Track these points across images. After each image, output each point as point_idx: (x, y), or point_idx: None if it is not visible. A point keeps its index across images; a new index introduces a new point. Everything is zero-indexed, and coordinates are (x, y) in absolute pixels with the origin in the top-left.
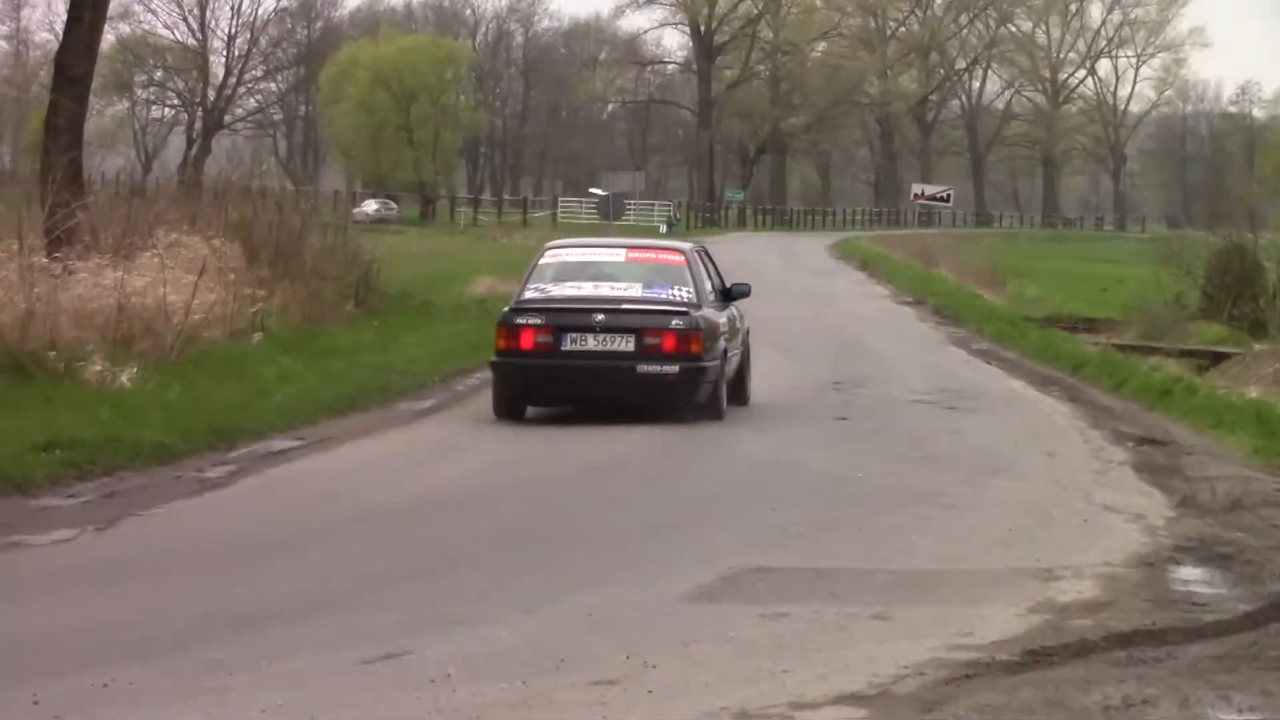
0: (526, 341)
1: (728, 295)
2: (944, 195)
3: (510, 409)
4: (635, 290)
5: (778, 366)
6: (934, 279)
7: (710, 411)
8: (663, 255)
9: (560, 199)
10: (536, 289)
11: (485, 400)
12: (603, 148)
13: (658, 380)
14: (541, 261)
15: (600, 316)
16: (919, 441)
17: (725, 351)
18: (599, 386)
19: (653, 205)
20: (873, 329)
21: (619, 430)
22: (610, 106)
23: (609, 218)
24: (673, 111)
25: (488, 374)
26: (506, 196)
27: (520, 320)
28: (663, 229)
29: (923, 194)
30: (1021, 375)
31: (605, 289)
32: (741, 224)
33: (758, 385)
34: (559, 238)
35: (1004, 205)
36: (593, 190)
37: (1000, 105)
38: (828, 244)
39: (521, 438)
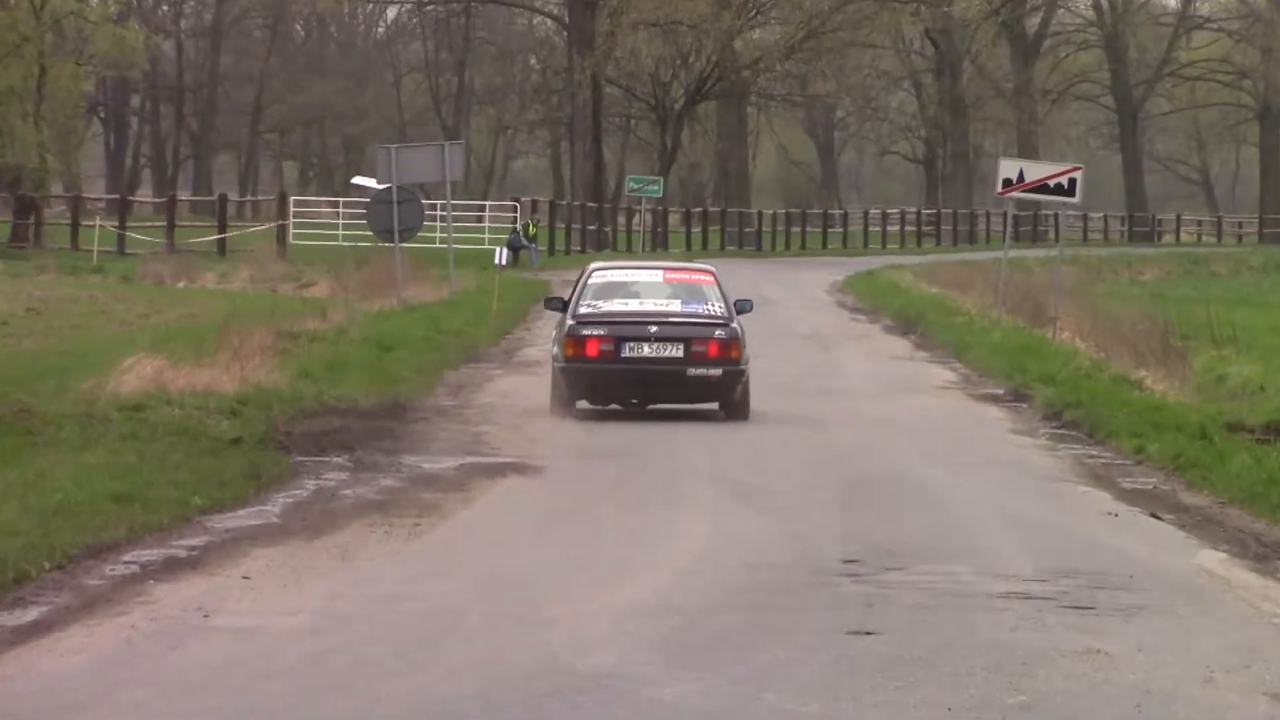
0: (592, 350)
1: (737, 311)
2: (1061, 182)
3: (571, 408)
4: (676, 305)
5: (734, 527)
6: (1046, 350)
7: (740, 411)
8: (695, 275)
9: (294, 198)
10: (589, 305)
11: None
12: (381, 101)
13: (703, 381)
14: (590, 281)
15: (654, 328)
16: (1018, 682)
17: (749, 359)
18: (654, 386)
19: (483, 210)
20: (922, 450)
21: None
22: (391, 13)
23: (386, 231)
24: (515, 23)
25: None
26: (186, 198)
27: (586, 331)
28: (500, 261)
29: (1018, 181)
30: (1221, 539)
31: (650, 305)
32: (656, 245)
33: (693, 560)
34: (242, 283)
35: (1174, 200)
36: (358, 180)
37: (1171, 2)
38: (833, 280)
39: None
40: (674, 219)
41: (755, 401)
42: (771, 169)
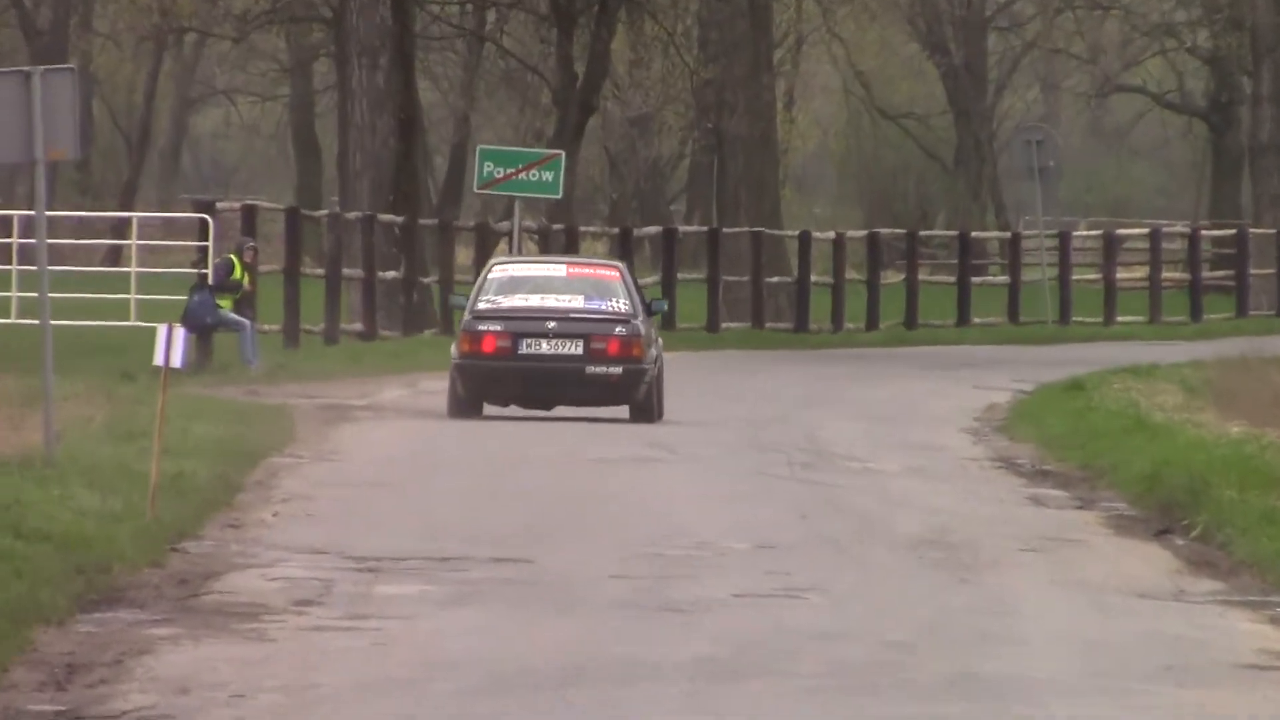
0: (488, 346)
1: (649, 310)
2: None
3: (469, 408)
4: (579, 302)
5: None
6: None
7: (647, 414)
8: (600, 271)
9: None
10: (489, 301)
11: None
12: None
13: (603, 380)
14: (491, 276)
15: (552, 324)
16: None
17: (656, 358)
18: (551, 386)
19: (145, 228)
20: None
21: None
22: None
23: None
24: None
25: None
26: None
27: (483, 327)
28: (171, 356)
29: None
30: None
31: (552, 301)
32: None
33: None
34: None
35: None
36: None
37: None
38: (983, 400)
39: None
40: (599, 248)
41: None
42: (827, 139)
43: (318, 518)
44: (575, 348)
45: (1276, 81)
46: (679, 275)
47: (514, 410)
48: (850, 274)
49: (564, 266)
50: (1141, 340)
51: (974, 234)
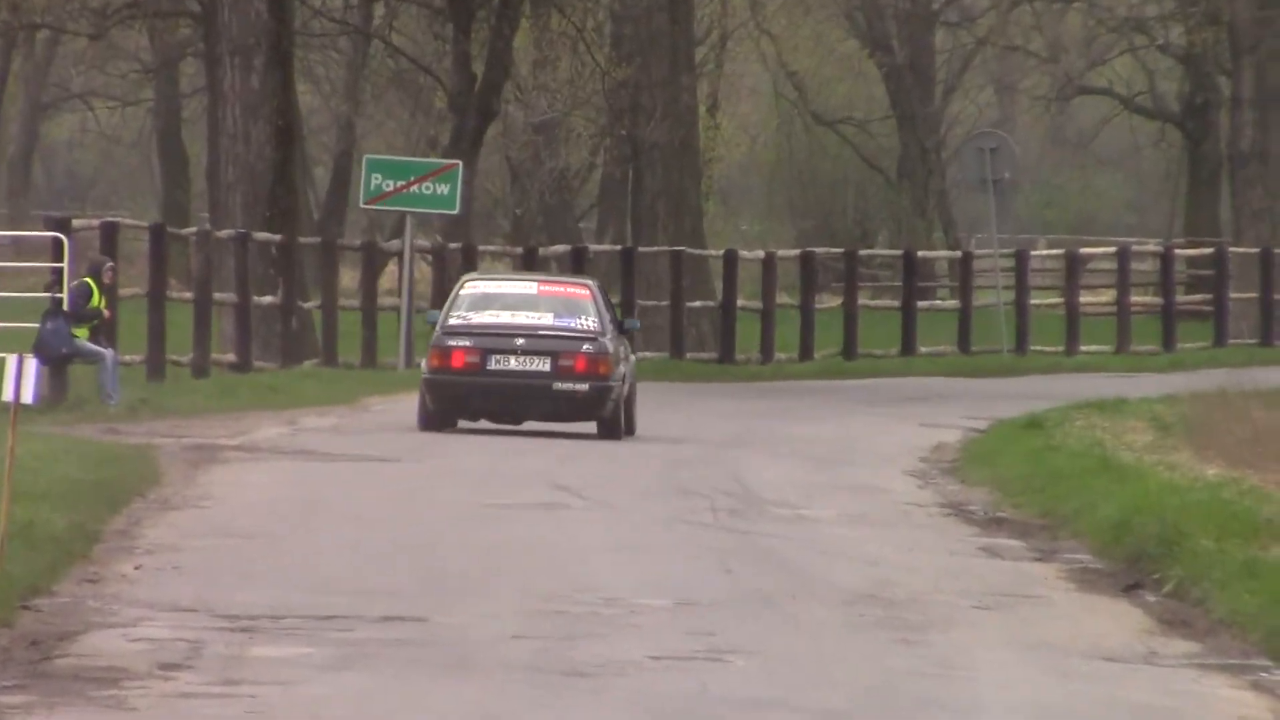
0: (457, 361)
1: (621, 328)
2: None
3: (440, 421)
4: (549, 319)
5: None
6: None
7: (614, 430)
8: (571, 289)
9: None
10: (460, 317)
11: None
12: None
13: (570, 396)
14: (463, 293)
15: (521, 340)
16: None
17: (625, 376)
18: (519, 401)
19: None
20: None
21: None
22: None
23: None
24: None
25: None
26: None
27: (452, 342)
28: (23, 392)
29: None
30: None
31: (522, 317)
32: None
33: None
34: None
35: None
36: None
37: None
38: (931, 439)
39: None
40: (499, 270)
41: None
42: (756, 148)
43: (186, 571)
44: (543, 364)
45: (1258, 82)
46: None
47: (413, 447)
48: (781, 298)
49: (535, 284)
50: (1108, 372)
51: (920, 253)
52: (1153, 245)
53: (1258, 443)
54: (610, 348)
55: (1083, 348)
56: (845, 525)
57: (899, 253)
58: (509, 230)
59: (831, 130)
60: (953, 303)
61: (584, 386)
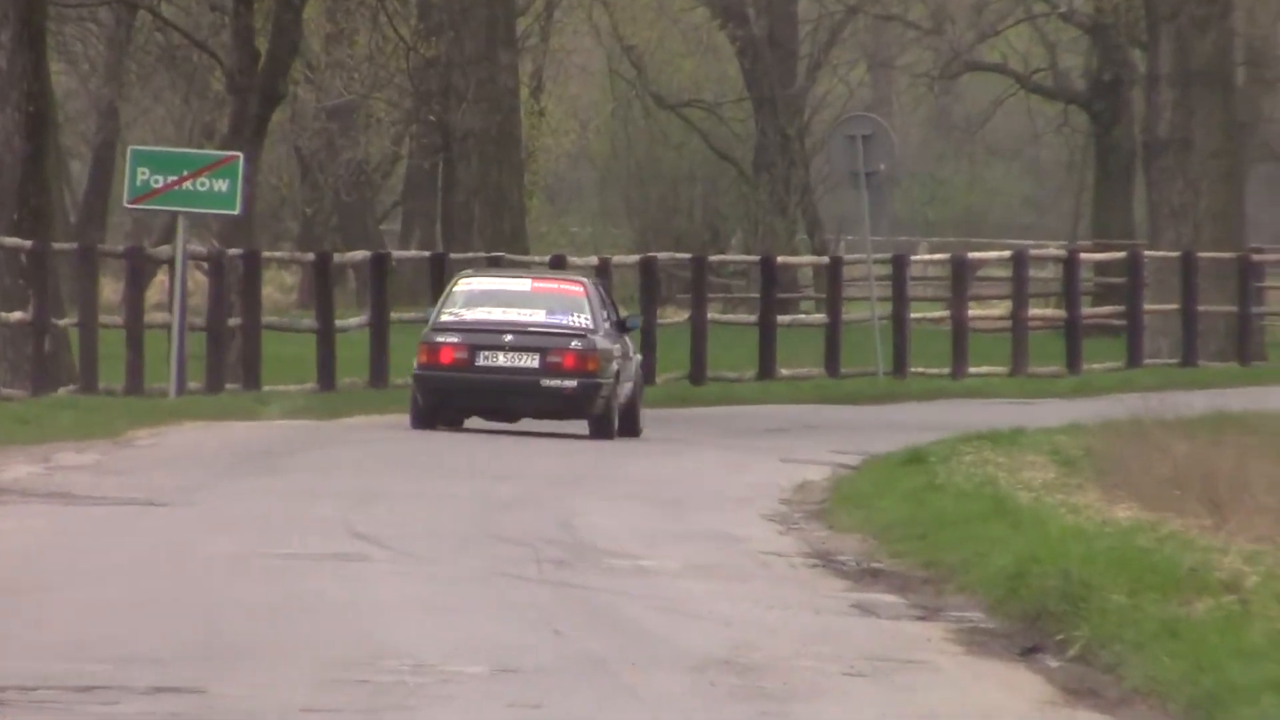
0: (446, 358)
1: (622, 327)
2: None
3: (431, 419)
4: (540, 316)
5: None
6: None
7: (605, 429)
8: (564, 286)
9: None
10: (452, 314)
11: None
12: None
13: (558, 393)
14: (456, 290)
15: (510, 337)
16: None
17: (618, 374)
18: (507, 397)
19: None
20: None
21: None
22: None
23: None
24: None
25: None
26: None
27: (441, 339)
28: None
29: None
30: None
31: (514, 314)
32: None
33: None
34: None
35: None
36: None
37: None
38: (794, 478)
39: None
40: (286, 279)
41: None
42: (588, 136)
43: None
44: (531, 361)
45: (1179, 56)
46: (393, 315)
47: (186, 488)
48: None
49: (529, 281)
50: (1002, 397)
51: (780, 259)
52: (1054, 249)
53: (1178, 481)
54: (601, 345)
55: (972, 369)
56: (693, 579)
57: (756, 258)
58: (298, 233)
59: (676, 115)
60: (819, 317)
61: (572, 383)
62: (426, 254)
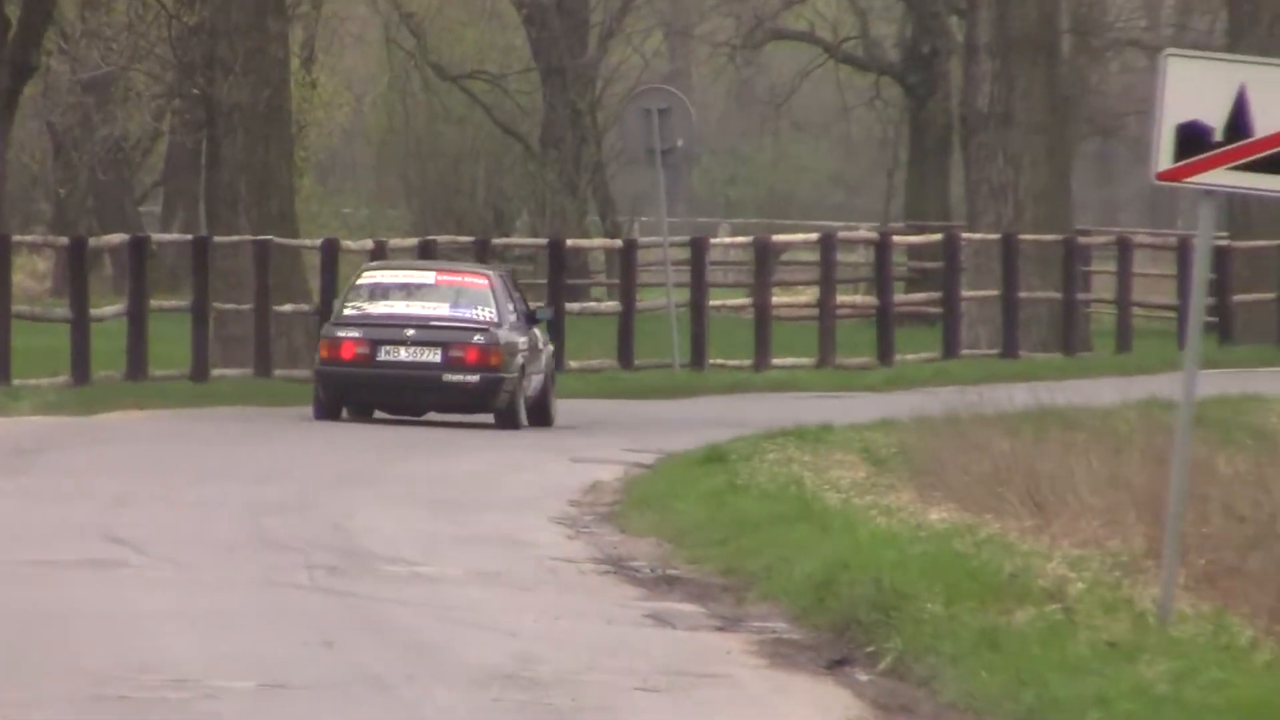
0: (347, 353)
1: (531, 319)
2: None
3: (333, 413)
4: (444, 309)
5: None
6: None
7: (509, 420)
8: (469, 278)
9: None
10: (354, 307)
11: None
12: None
13: (461, 387)
14: (359, 282)
15: (411, 331)
16: None
17: (524, 367)
18: (409, 393)
19: None
20: None
21: None
22: None
23: None
24: None
25: None
26: None
27: (342, 334)
28: None
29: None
30: None
31: (418, 308)
32: None
33: None
34: None
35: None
36: None
37: None
38: (587, 477)
39: None
40: (38, 265)
41: None
42: (363, 111)
43: None
44: (433, 355)
45: (999, 24)
46: (153, 303)
47: None
48: None
49: (433, 273)
50: (808, 391)
51: (570, 242)
52: (865, 231)
53: (998, 480)
54: (505, 338)
55: (776, 360)
56: (476, 586)
57: (543, 241)
58: (51, 216)
59: (458, 87)
60: (611, 304)
61: (474, 378)
62: (189, 237)
